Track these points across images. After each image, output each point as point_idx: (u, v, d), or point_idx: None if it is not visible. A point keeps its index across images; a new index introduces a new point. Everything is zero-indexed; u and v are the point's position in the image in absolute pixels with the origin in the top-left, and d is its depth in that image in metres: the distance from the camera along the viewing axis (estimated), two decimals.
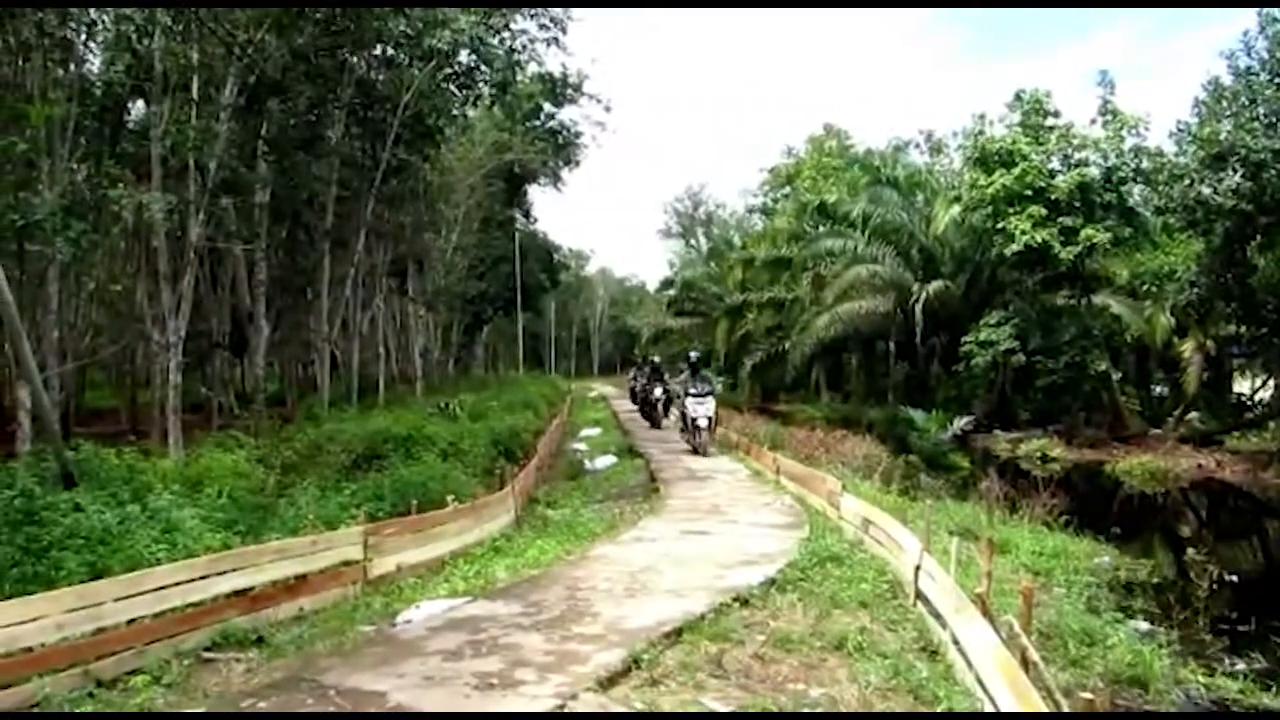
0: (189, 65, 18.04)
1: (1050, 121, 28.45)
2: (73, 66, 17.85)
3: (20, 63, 17.20)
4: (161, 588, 6.41)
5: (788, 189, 52.33)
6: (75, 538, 7.51)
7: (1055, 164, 27.68)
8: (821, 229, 36.37)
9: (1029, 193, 26.41)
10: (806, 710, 5.05)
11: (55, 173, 16.48)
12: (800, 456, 16.85)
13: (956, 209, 30.54)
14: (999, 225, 26.93)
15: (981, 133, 29.90)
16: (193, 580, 6.64)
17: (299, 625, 6.98)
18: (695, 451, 18.65)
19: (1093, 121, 28.38)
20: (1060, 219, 26.28)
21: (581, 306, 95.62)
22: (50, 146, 16.45)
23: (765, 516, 11.63)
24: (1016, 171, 26.48)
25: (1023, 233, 26.06)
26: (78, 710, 5.23)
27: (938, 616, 6.43)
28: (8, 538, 7.38)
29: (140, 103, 20.40)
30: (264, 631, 6.74)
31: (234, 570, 7.00)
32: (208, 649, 6.40)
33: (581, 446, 23.58)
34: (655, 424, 24.94)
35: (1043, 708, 4.37)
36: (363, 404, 23.44)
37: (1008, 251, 26.82)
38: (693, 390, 18.88)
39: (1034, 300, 28.50)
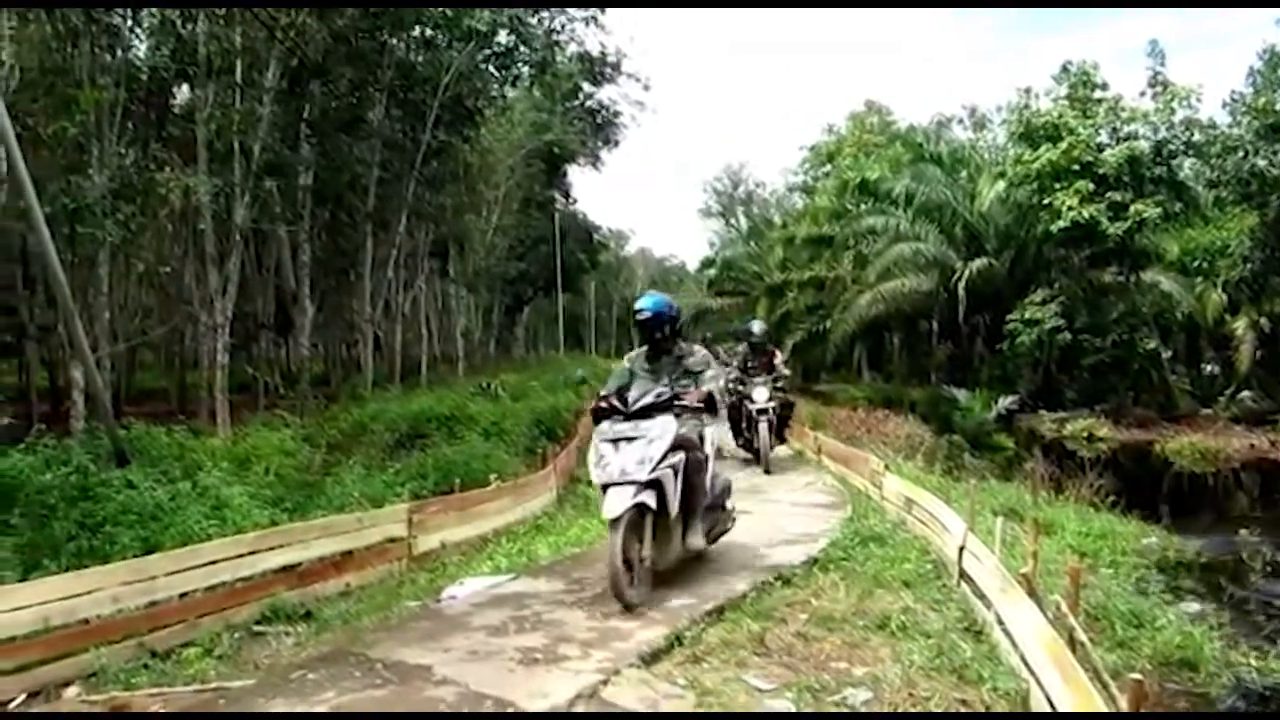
0: (232, 49, 18.25)
1: (1098, 94, 27.89)
2: (119, 52, 18.08)
3: (69, 49, 17.45)
4: (212, 563, 6.54)
5: (828, 167, 51.82)
6: (128, 513, 7.69)
7: (1103, 138, 27.14)
8: (863, 207, 36.01)
9: (1076, 167, 25.91)
10: (849, 688, 5.04)
11: (104, 157, 16.75)
12: (841, 436, 16.76)
13: (1001, 185, 30.04)
14: (1044, 201, 26.47)
15: (1027, 107, 29.37)
16: (242, 556, 6.76)
17: (346, 600, 7.09)
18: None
19: (1142, 94, 27.83)
20: (1108, 194, 25.76)
21: (621, 286, 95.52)
22: (99, 131, 16.71)
23: (806, 496, 11.58)
24: (1063, 146, 25.98)
25: (1069, 208, 25.59)
26: (132, 680, 5.35)
27: (982, 597, 6.37)
28: (64, 513, 7.58)
29: (185, 87, 20.64)
30: (311, 606, 6.85)
31: (282, 546, 7.12)
32: (257, 623, 6.52)
33: None
34: (754, 453, 14.28)
35: (1090, 688, 4.30)
36: (405, 384, 23.71)
37: (1054, 228, 26.36)
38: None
39: (1080, 277, 28.03)
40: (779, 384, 14.20)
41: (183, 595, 6.32)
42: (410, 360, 28.03)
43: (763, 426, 13.61)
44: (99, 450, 9.78)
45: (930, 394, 28.67)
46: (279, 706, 4.34)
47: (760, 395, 13.71)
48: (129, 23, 18.25)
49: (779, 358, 14.83)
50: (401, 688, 4.58)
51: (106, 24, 17.06)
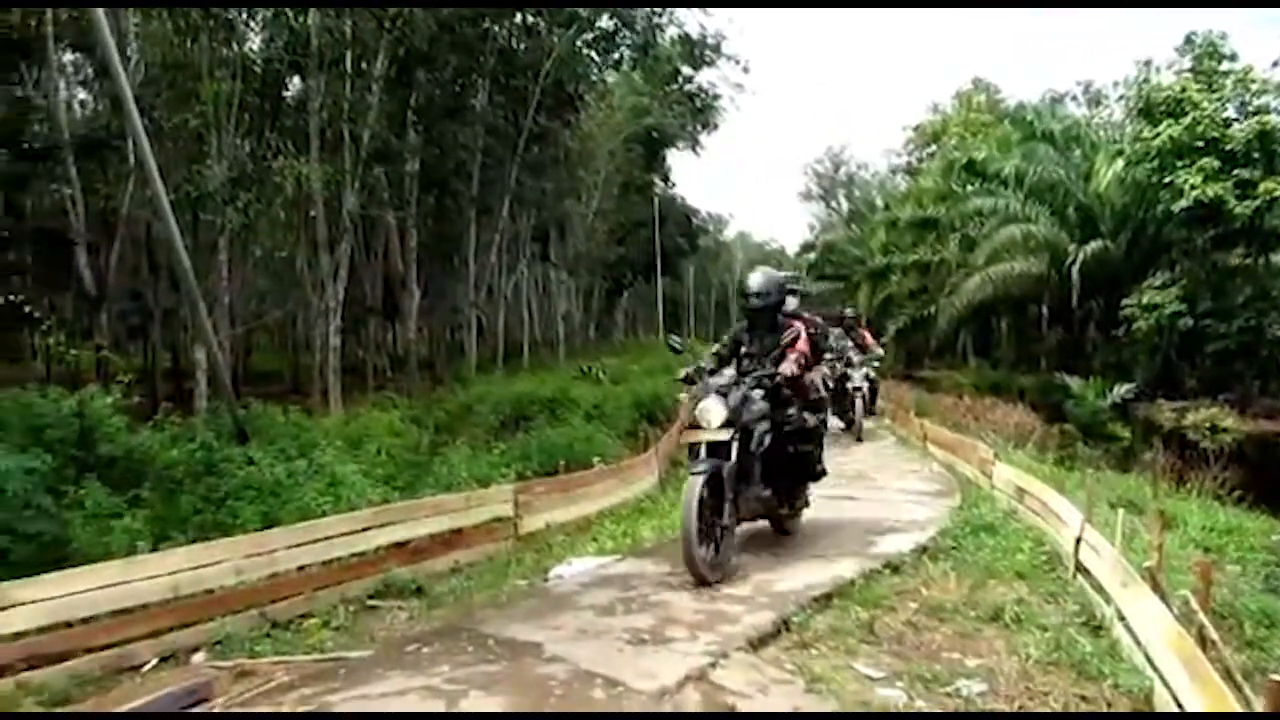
0: (342, 40, 18.72)
1: (1225, 66, 26.43)
2: (236, 46, 18.73)
3: (189, 44, 18.16)
4: (329, 538, 6.75)
5: (933, 147, 50.60)
6: (249, 489, 8.00)
7: (1231, 112, 25.69)
8: (970, 188, 34.99)
9: (1200, 144, 24.61)
10: (962, 679, 4.92)
11: (222, 147, 17.39)
12: (947, 424, 16.38)
13: (1118, 164, 28.79)
14: (1165, 180, 25.23)
15: (1147, 81, 28.06)
16: (357, 532, 6.96)
17: (455, 577, 7.23)
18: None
19: (1275, 64, 26.27)
20: (1235, 171, 24.41)
21: (720, 271, 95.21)
22: (218, 122, 17.35)
23: (913, 484, 11.35)
24: (1186, 121, 24.70)
25: (1192, 187, 24.34)
26: (256, 649, 5.55)
27: (1101, 591, 6.15)
28: (190, 487, 7.92)
29: (297, 78, 21.28)
30: (422, 582, 7.00)
31: (394, 524, 7.31)
32: (371, 597, 6.71)
33: None
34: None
35: (1222, 688, 4.11)
36: (507, 367, 24.09)
37: (1175, 208, 25.12)
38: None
39: (1204, 260, 26.70)
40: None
41: (300, 568, 6.53)
42: (512, 344, 28.47)
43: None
44: (221, 428, 10.19)
45: (1040, 381, 27.77)
46: (395, 678, 4.45)
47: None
48: (244, 17, 18.89)
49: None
50: (513, 664, 4.64)
51: (224, 19, 17.69)
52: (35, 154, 18.34)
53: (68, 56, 22.27)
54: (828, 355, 8.05)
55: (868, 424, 15.99)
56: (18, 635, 5.10)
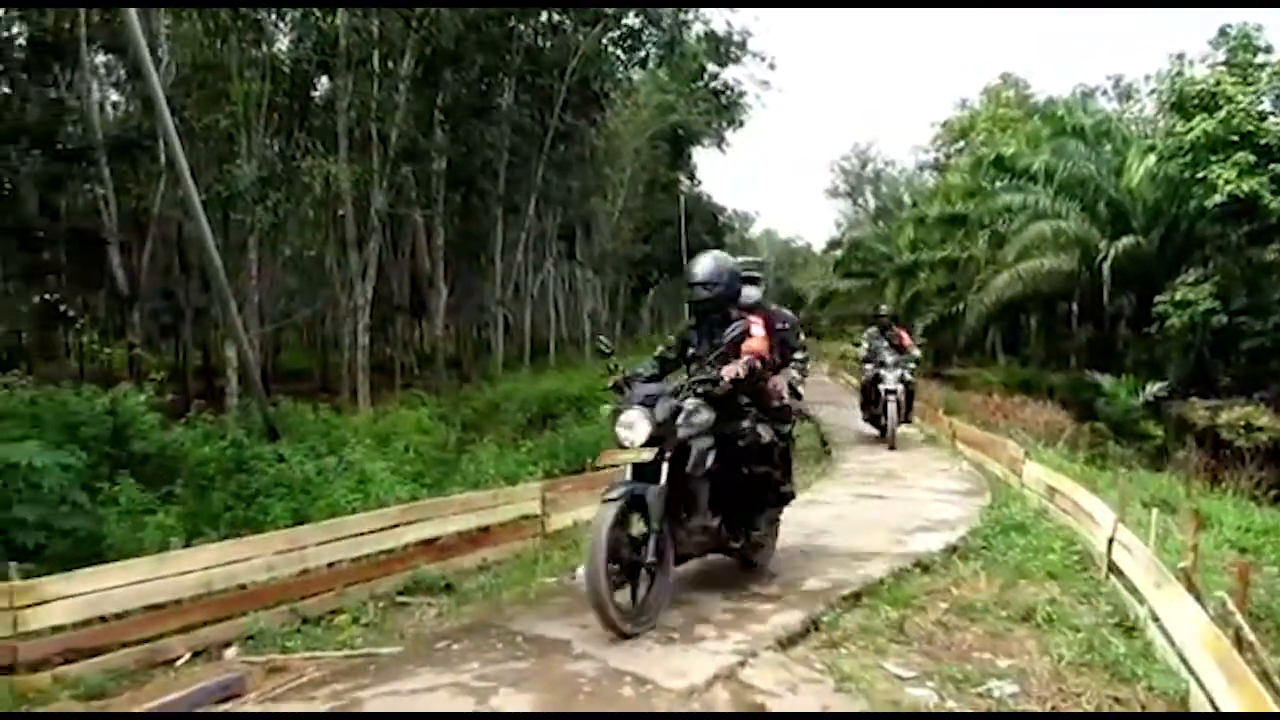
0: (370, 40, 18.86)
1: (1261, 59, 26.03)
2: (265, 47, 18.91)
3: (219, 45, 18.36)
4: (358, 534, 6.79)
5: (961, 143, 50.26)
6: (280, 486, 8.08)
7: (1266, 105, 25.33)
8: (998, 184, 34.68)
9: (1235, 138, 24.25)
10: (994, 680, 4.88)
11: (252, 146, 17.57)
12: (976, 421, 16.25)
13: (1150, 159, 28.44)
14: (1199, 175, 24.88)
15: (1179, 74, 27.67)
16: (386, 529, 6.99)
17: (483, 574, 7.25)
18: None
19: None
20: (1271, 165, 24.03)
21: None
22: (247, 122, 17.54)
23: (942, 482, 11.26)
24: (1220, 115, 24.34)
25: (1227, 182, 23.99)
26: (287, 644, 5.60)
27: (1134, 591, 6.08)
28: (222, 484, 8.01)
29: (324, 78, 21.46)
30: (451, 579, 7.02)
31: (423, 521, 7.33)
32: (400, 593, 6.73)
33: None
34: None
35: (1260, 690, 4.05)
36: (534, 365, 24.16)
37: (1209, 203, 24.76)
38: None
39: (1238, 256, 26.28)
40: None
41: (330, 565, 6.58)
42: (538, 342, 28.56)
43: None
44: (251, 426, 10.32)
45: (1071, 379, 27.50)
46: (425, 674, 4.48)
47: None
48: (273, 18, 19.07)
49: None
50: (542, 661, 4.66)
51: (253, 20, 17.87)
52: (69, 155, 18.62)
53: (100, 58, 22.57)
54: (798, 355, 7.10)
55: (904, 430, 14.69)
56: (55, 630, 5.17)
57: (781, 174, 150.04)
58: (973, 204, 36.37)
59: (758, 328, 5.86)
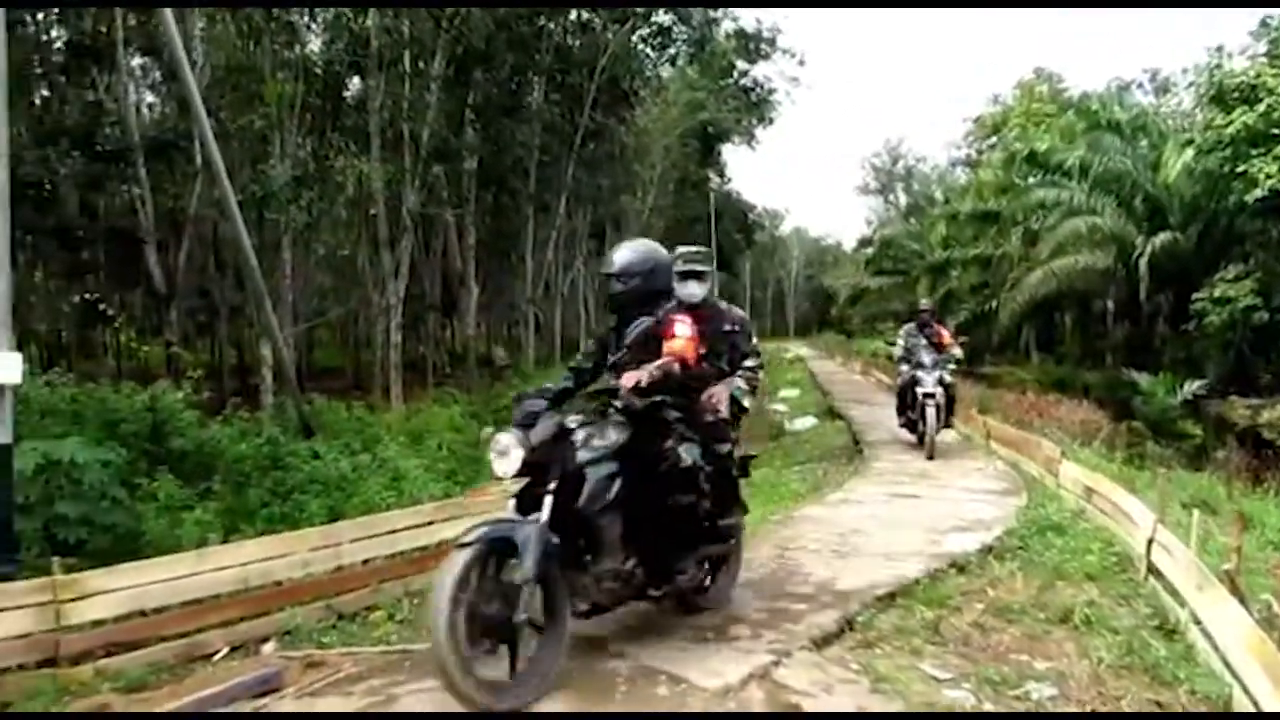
0: (401, 40, 18.98)
1: None
2: (297, 48, 19.08)
3: (252, 46, 18.55)
4: (393, 531, 6.83)
5: (994, 139, 49.78)
6: (315, 482, 8.15)
7: None
8: (1032, 180, 34.32)
9: (1276, 131, 23.84)
10: (1032, 682, 4.83)
11: (285, 147, 17.73)
12: (1010, 421, 16.07)
13: (1188, 153, 28.01)
14: (1239, 169, 24.47)
15: (1218, 67, 27.26)
16: (420, 525, 7.03)
17: None
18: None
19: None
20: None
21: (776, 266, 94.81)
22: (280, 122, 17.70)
23: (977, 482, 11.14)
24: (1261, 108, 23.91)
25: (1268, 176, 23.56)
26: (323, 640, 5.64)
27: (1174, 593, 5.99)
28: (258, 481, 8.09)
29: (356, 79, 21.62)
30: None
31: (456, 518, 7.35)
32: None
33: (780, 407, 23.38)
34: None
35: None
36: (565, 363, 24.17)
37: (1249, 198, 24.33)
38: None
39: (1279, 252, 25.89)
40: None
41: (365, 561, 6.62)
42: (569, 340, 28.60)
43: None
44: (286, 423, 10.41)
45: (1107, 377, 27.14)
46: None
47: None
48: (305, 20, 19.24)
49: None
50: (578, 658, 4.65)
51: (285, 21, 18.04)
52: (108, 156, 18.87)
53: (136, 61, 22.87)
54: (749, 363, 5.90)
55: (944, 437, 13.32)
56: (95, 624, 5.24)
57: (812, 171, 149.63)
58: (1006, 200, 36.04)
59: (682, 325, 4.76)
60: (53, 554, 5.67)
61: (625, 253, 4.94)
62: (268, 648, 5.63)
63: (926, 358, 12.97)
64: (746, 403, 5.85)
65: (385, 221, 19.21)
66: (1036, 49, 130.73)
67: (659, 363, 4.57)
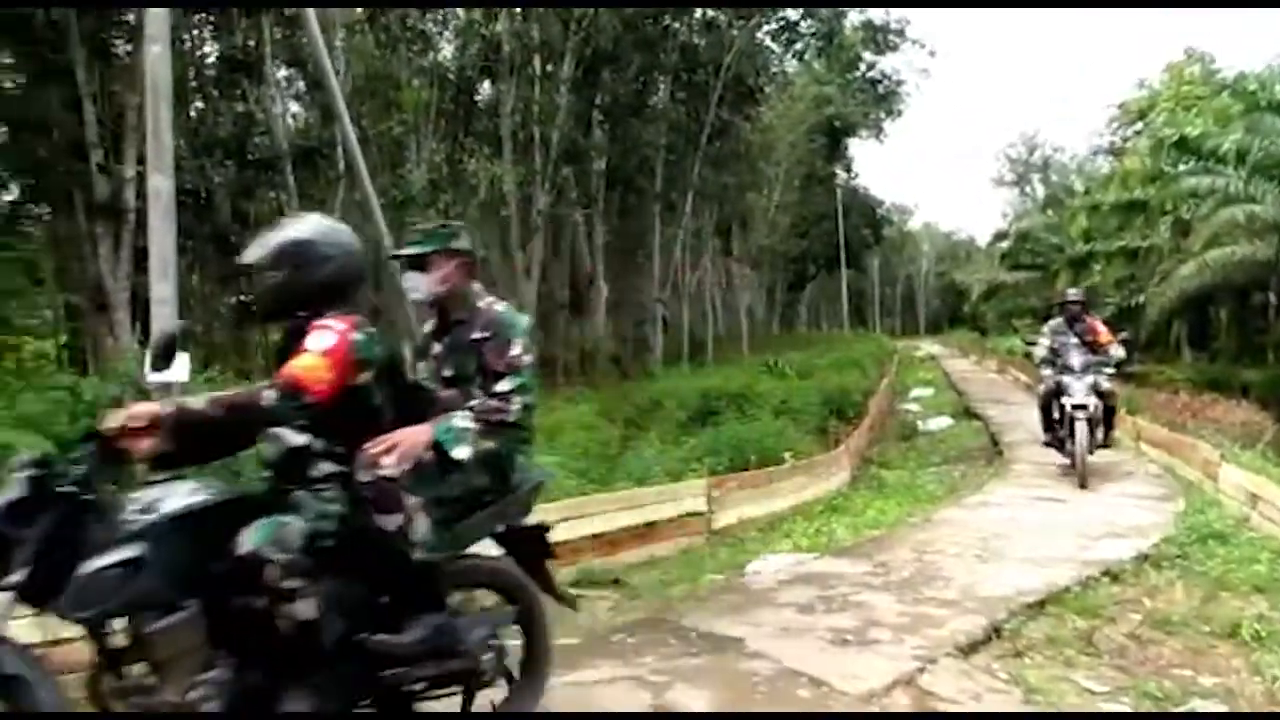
0: (530, 44, 19.36)
1: None
2: (431, 56, 19.67)
3: (388, 55, 19.21)
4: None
5: (1140, 125, 47.40)
6: None
7: None
8: (1183, 166, 32.54)
9: None
10: (1197, 699, 4.57)
11: (422, 151, 18.32)
12: (1161, 422, 15.30)
13: None
14: None
15: None
16: (558, 521, 7.14)
17: (651, 570, 7.32)
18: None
19: None
20: None
21: (905, 262, 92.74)
22: (416, 128, 18.29)
23: (1128, 486, 10.63)
24: None
25: None
26: None
27: None
28: None
29: (487, 83, 22.14)
30: (619, 573, 7.11)
31: (591, 515, 7.46)
32: (572, 585, 6.86)
33: (913, 407, 22.87)
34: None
35: None
36: (692, 362, 24.24)
37: None
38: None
39: None
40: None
41: None
42: (696, 338, 28.64)
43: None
44: None
45: (1269, 375, 25.48)
46: (603, 666, 4.54)
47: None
48: (438, 27, 19.83)
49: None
50: (716, 657, 4.66)
51: (420, 30, 18.63)
52: (259, 164, 19.84)
53: (281, 73, 24.00)
54: (503, 386, 3.40)
55: (1099, 458, 11.00)
56: None
57: (942, 165, 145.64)
58: (1153, 189, 34.33)
59: (323, 335, 2.98)
60: None
61: (262, 239, 3.32)
62: None
63: (1076, 360, 10.67)
64: (460, 453, 3.28)
65: (517, 222, 19.64)
66: (1185, 31, 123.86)
67: (258, 391, 2.92)
